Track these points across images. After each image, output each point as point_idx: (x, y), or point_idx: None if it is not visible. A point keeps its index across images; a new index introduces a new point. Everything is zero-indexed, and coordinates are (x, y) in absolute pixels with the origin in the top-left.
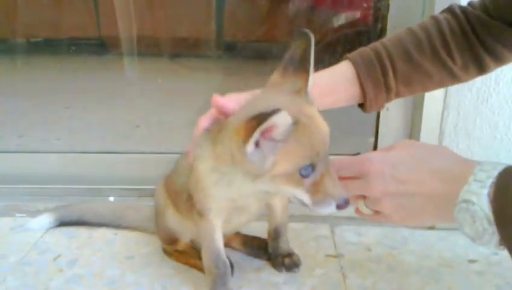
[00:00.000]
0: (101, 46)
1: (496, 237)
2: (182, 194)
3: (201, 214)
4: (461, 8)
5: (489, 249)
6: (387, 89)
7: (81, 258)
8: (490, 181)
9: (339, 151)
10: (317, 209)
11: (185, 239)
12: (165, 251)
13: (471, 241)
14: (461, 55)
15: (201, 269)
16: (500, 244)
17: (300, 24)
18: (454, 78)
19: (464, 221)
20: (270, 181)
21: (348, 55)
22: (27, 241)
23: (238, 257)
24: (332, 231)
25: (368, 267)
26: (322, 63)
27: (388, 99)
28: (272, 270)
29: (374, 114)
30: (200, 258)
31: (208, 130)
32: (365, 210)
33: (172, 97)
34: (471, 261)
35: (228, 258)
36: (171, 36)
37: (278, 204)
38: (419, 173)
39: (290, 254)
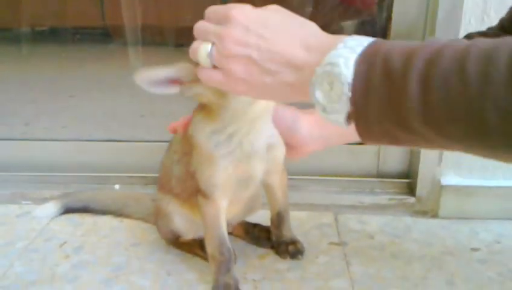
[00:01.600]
0: (105, 35)
1: (347, 109)
2: (173, 172)
3: (206, 196)
4: (480, 33)
5: (336, 122)
6: None
7: (86, 245)
8: (360, 48)
9: None
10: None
11: (187, 237)
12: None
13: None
14: None
15: (203, 258)
16: (349, 118)
17: (304, 12)
18: None
19: (319, 86)
20: None
21: None
22: (33, 228)
23: (242, 243)
24: (335, 219)
25: (371, 255)
26: None
27: None
28: (276, 257)
29: None
30: (201, 247)
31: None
32: (204, 60)
33: None
34: (474, 249)
35: None
36: (175, 25)
37: (277, 187)
38: (285, 34)
39: (294, 241)
